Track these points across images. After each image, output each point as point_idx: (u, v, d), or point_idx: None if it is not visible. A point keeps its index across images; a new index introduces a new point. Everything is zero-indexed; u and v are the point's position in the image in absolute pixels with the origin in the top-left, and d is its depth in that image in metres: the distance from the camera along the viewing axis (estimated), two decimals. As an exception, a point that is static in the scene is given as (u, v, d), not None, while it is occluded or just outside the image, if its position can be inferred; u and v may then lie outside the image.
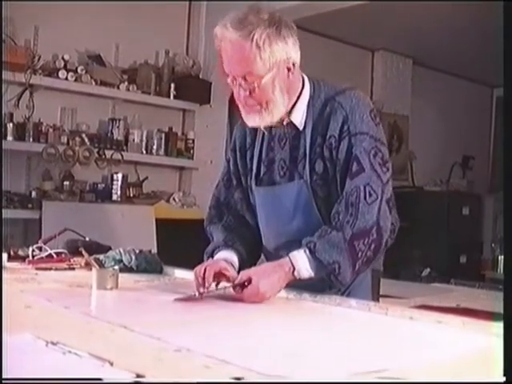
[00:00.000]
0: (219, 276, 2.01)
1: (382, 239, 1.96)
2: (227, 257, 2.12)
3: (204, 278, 1.96)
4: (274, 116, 2.02)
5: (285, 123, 2.10)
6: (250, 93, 1.98)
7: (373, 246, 1.93)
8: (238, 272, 2.06)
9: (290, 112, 2.08)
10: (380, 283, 2.24)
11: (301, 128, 2.08)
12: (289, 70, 2.00)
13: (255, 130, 2.19)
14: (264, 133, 2.17)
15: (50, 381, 1.13)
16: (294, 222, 2.10)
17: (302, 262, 1.91)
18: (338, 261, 1.90)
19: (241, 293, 1.88)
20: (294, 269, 1.91)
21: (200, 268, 2.00)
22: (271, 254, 2.20)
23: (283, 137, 2.13)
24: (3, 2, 3.83)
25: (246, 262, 2.18)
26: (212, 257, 2.16)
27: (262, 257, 2.30)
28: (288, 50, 1.97)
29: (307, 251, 1.91)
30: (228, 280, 2.01)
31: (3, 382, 1.12)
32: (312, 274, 1.91)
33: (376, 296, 2.17)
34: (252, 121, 2.05)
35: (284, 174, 2.12)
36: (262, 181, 2.18)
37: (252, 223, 2.27)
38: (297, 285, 1.96)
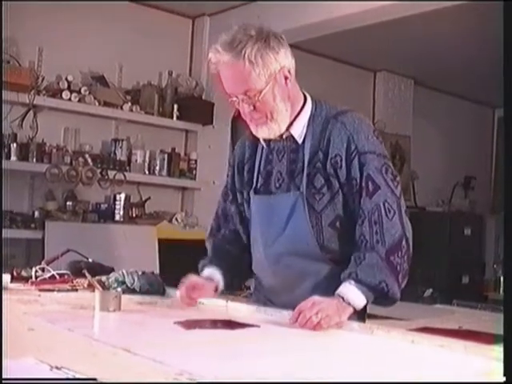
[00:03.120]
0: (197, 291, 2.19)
1: (411, 249, 2.01)
2: (209, 274, 2.27)
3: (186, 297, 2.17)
4: (281, 125, 2.08)
5: (284, 137, 2.15)
6: (254, 107, 2.04)
7: (406, 257, 1.99)
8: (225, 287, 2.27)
9: (290, 125, 2.12)
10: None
11: (300, 141, 2.13)
12: (286, 78, 2.06)
13: (254, 145, 2.25)
14: (263, 147, 2.22)
15: (50, 381, 1.13)
16: (285, 232, 2.13)
17: (352, 294, 1.93)
18: (384, 279, 1.93)
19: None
20: (349, 303, 1.92)
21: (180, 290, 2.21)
22: (261, 267, 2.24)
23: (282, 150, 2.17)
24: (6, 24, 3.85)
25: (233, 276, 2.31)
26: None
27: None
28: (280, 59, 2.03)
29: (353, 282, 1.94)
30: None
31: (3, 382, 1.12)
32: (364, 302, 1.95)
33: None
34: (261, 133, 2.11)
35: (280, 186, 2.16)
36: (259, 191, 2.22)
37: (244, 238, 2.32)
38: None
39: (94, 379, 1.14)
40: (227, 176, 2.39)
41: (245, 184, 2.27)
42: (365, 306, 2.08)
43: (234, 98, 2.05)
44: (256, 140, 2.22)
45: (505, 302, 1.43)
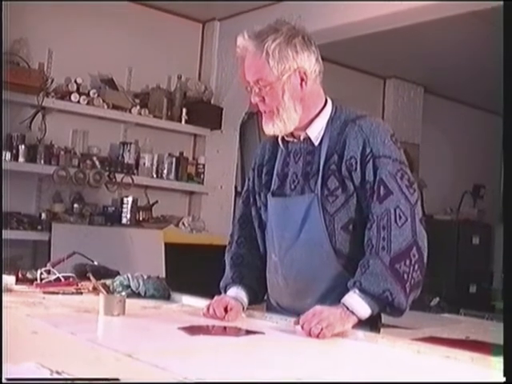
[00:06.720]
0: (232, 313, 2.11)
1: (424, 259, 1.97)
2: (235, 294, 2.22)
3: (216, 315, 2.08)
4: (286, 123, 2.08)
5: (302, 138, 2.15)
6: (263, 99, 2.07)
7: (416, 266, 1.93)
8: (249, 304, 2.22)
9: (307, 127, 2.12)
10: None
11: (316, 143, 2.12)
12: (302, 79, 2.07)
13: (275, 148, 2.25)
14: (282, 150, 2.21)
15: (51, 381, 1.12)
16: (301, 236, 2.11)
17: (356, 303, 1.91)
18: (388, 288, 1.90)
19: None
20: (352, 312, 1.90)
21: (209, 308, 2.12)
22: (274, 272, 2.21)
23: (298, 152, 2.17)
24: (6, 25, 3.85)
25: (257, 292, 2.28)
26: (225, 291, 2.27)
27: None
28: (299, 59, 2.05)
29: (357, 291, 1.92)
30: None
31: (3, 382, 1.11)
32: (369, 311, 1.92)
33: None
34: (267, 128, 2.12)
35: (295, 188, 2.15)
36: (275, 193, 2.21)
37: (261, 245, 2.29)
38: None
39: (117, 379, 1.12)
40: (248, 179, 2.38)
41: (262, 186, 2.26)
42: (379, 316, 2.07)
43: (249, 86, 2.08)
44: (276, 142, 2.23)
45: (504, 309, 1.41)
